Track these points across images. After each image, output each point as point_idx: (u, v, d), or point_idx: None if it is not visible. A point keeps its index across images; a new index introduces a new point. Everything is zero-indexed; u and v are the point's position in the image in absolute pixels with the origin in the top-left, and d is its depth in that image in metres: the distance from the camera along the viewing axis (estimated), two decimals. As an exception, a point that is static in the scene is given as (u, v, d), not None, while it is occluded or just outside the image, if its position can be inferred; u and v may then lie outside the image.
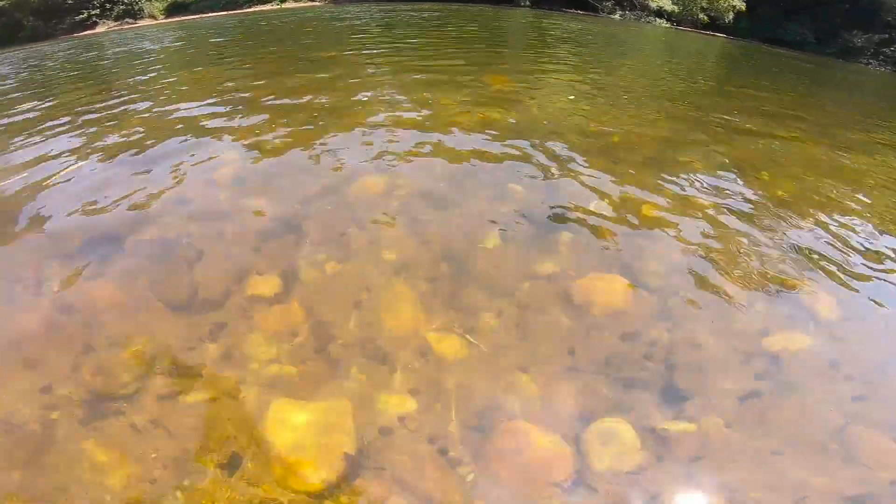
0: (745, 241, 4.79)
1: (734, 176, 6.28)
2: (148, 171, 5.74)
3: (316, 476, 2.59)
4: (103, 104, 9.26)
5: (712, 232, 4.89)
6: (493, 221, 4.75)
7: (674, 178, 5.98)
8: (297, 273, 3.98)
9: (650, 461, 2.78)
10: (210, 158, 6.07)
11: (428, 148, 6.44)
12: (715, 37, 17.80)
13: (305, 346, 3.36)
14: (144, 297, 3.76)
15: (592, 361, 3.35)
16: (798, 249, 4.70)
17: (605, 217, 4.98)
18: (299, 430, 2.80)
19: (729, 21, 19.41)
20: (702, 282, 4.15)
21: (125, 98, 9.71)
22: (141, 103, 9.11)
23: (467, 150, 6.39)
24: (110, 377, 3.14)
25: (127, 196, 5.12)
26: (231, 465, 2.70)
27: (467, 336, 3.48)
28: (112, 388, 3.08)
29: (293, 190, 5.24)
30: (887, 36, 15.93)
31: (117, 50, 15.00)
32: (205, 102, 8.77)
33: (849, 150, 8.02)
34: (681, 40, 16.18)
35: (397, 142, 6.53)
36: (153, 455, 2.76)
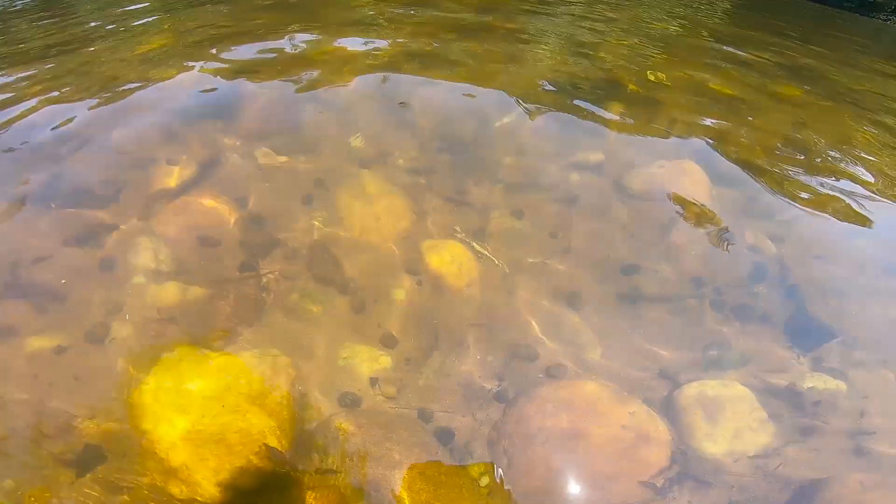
0: (862, 127, 3.49)
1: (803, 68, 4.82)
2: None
3: (215, 483, 1.46)
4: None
5: (805, 115, 3.56)
6: (513, 92, 3.40)
7: (735, 61, 4.54)
8: (222, 161, 2.68)
9: (785, 437, 1.67)
10: (132, 37, 4.52)
11: (421, 12, 4.90)
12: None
13: (225, 260, 2.14)
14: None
15: (671, 283, 2.18)
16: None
17: (661, 90, 3.63)
18: (200, 403, 1.64)
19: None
20: (816, 168, 2.90)
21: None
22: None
23: (472, 17, 4.85)
24: None
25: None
26: (82, 460, 1.56)
27: (475, 244, 2.27)
28: None
29: (229, 60, 3.79)
30: (911, -9, 13.68)
31: None
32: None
33: None
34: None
35: (382, 14, 4.96)
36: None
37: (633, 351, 1.89)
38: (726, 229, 2.41)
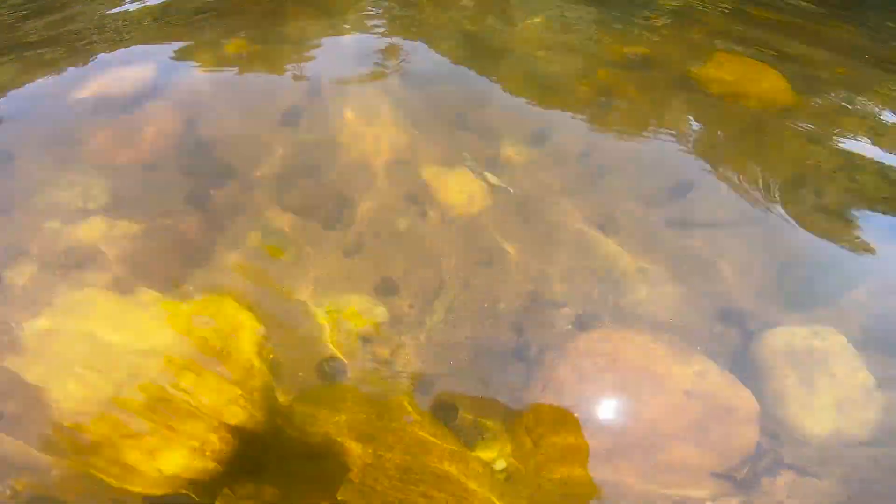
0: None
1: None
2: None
3: (155, 469, 1.12)
4: None
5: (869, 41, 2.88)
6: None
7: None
8: (173, 62, 2.23)
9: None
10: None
11: None
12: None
13: (166, 184, 1.73)
14: None
15: (733, 203, 1.72)
16: None
17: (697, 11, 2.98)
18: (129, 361, 1.27)
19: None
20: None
21: None
22: None
23: None
24: None
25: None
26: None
27: (487, 174, 1.81)
28: None
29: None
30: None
31: None
32: None
33: None
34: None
35: None
36: None
37: (689, 290, 1.47)
38: (812, 129, 1.94)
